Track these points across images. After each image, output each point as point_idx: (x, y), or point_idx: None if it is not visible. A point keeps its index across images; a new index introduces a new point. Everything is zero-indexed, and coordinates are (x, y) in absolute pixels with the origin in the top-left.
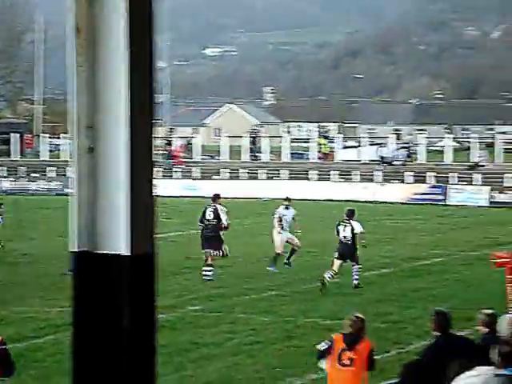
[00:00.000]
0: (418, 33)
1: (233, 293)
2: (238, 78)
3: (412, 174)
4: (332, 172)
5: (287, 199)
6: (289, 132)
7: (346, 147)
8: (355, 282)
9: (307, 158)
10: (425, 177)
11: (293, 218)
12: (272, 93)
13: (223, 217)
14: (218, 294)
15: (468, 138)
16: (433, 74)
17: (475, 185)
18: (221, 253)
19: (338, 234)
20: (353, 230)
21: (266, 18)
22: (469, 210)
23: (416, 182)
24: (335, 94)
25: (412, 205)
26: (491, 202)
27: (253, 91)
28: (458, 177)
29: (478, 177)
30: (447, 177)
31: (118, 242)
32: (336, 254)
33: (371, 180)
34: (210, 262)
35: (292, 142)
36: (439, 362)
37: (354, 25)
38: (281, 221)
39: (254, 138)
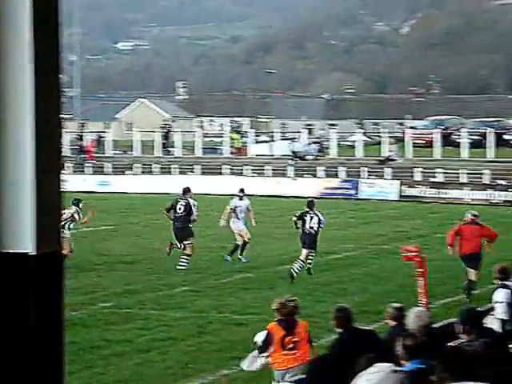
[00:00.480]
0: (330, 28)
1: (145, 289)
2: (151, 72)
3: (324, 168)
4: (245, 167)
5: (241, 190)
6: (202, 127)
7: (258, 142)
8: (309, 266)
9: (221, 153)
10: (336, 171)
11: (247, 209)
12: (184, 87)
13: (194, 210)
14: (130, 291)
15: (379, 132)
16: (344, 69)
17: (386, 179)
18: (182, 246)
19: (304, 225)
20: (319, 220)
21: (178, 13)
22: (379, 204)
23: (328, 176)
24: (248, 88)
25: (324, 199)
26: (401, 196)
27: (165, 86)
28: (369, 171)
29: (388, 171)
30: (358, 171)
31: (24, 240)
32: (301, 244)
33: (284, 175)
34: (188, 252)
35: (205, 136)
36: (344, 357)
37: (266, 20)
38: (234, 211)
39: (166, 132)
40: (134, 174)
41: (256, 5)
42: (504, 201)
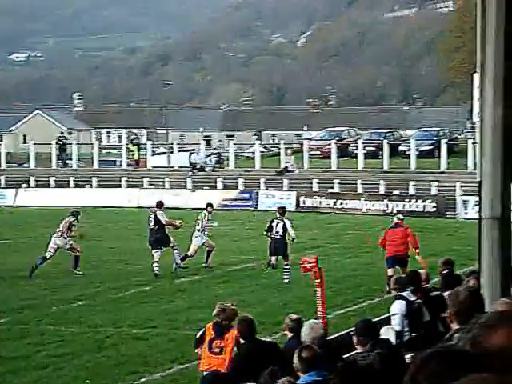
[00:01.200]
0: (226, 39)
1: (41, 304)
2: (46, 84)
3: (222, 180)
4: (144, 179)
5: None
6: (100, 139)
7: (156, 154)
8: (286, 280)
9: (119, 165)
10: (235, 183)
11: (209, 220)
12: (80, 99)
13: (162, 219)
14: (27, 306)
15: (276, 143)
16: (241, 81)
17: (283, 190)
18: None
19: (271, 230)
20: (284, 226)
21: (73, 23)
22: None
23: (226, 188)
24: (145, 100)
25: (223, 211)
26: (298, 207)
27: (61, 97)
28: (267, 182)
29: (286, 182)
30: (257, 182)
31: None
32: (269, 251)
33: (183, 187)
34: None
35: (102, 148)
36: (248, 368)
37: (162, 31)
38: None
39: (61, 144)
40: (29, 187)
41: (151, 14)
42: (397, 211)
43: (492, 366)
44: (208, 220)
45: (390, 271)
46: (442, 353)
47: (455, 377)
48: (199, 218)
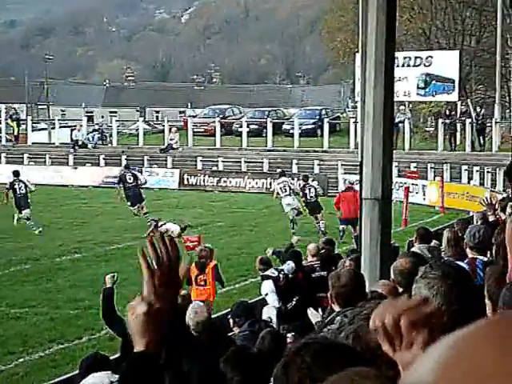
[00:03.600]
0: (109, 14)
1: None
2: None
3: (104, 157)
4: (24, 155)
5: None
6: None
7: (37, 129)
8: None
9: None
10: (118, 160)
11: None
12: None
13: None
14: None
15: (160, 120)
16: (125, 57)
17: (167, 168)
18: None
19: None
20: (316, 189)
21: None
22: (161, 192)
23: (109, 165)
24: (26, 74)
25: (105, 188)
26: (182, 185)
27: None
28: (150, 160)
29: (170, 160)
30: (140, 160)
31: None
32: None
33: (64, 163)
34: None
35: None
36: None
37: (43, 4)
38: None
39: None
40: None
41: None
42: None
43: (373, 361)
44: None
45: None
46: (315, 344)
47: (329, 370)
48: None
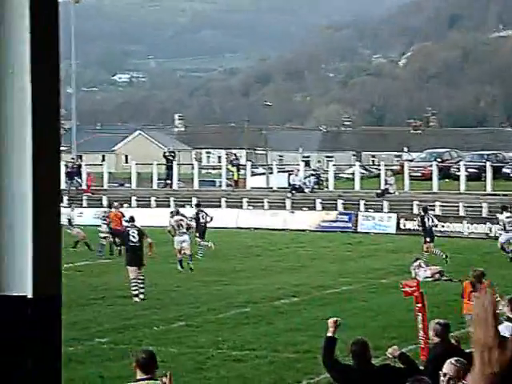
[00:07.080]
0: (327, 60)
1: (142, 324)
2: (148, 104)
3: (321, 201)
4: (243, 199)
5: None
6: (199, 159)
7: (255, 174)
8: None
9: (219, 186)
10: (334, 204)
11: None
12: (181, 119)
13: None
14: (127, 326)
15: (376, 164)
16: (341, 101)
17: (383, 212)
18: None
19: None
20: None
21: (174, 45)
22: (377, 237)
23: (325, 209)
24: (245, 120)
25: (321, 232)
26: (399, 229)
27: (162, 118)
28: (367, 204)
29: (386, 204)
30: (356, 204)
31: (21, 282)
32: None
33: (281, 207)
34: None
35: (202, 169)
36: None
37: (263, 52)
38: None
39: (170, 163)
40: (130, 207)
41: (253, 37)
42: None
43: None
44: None
45: None
46: None
47: None
48: None
